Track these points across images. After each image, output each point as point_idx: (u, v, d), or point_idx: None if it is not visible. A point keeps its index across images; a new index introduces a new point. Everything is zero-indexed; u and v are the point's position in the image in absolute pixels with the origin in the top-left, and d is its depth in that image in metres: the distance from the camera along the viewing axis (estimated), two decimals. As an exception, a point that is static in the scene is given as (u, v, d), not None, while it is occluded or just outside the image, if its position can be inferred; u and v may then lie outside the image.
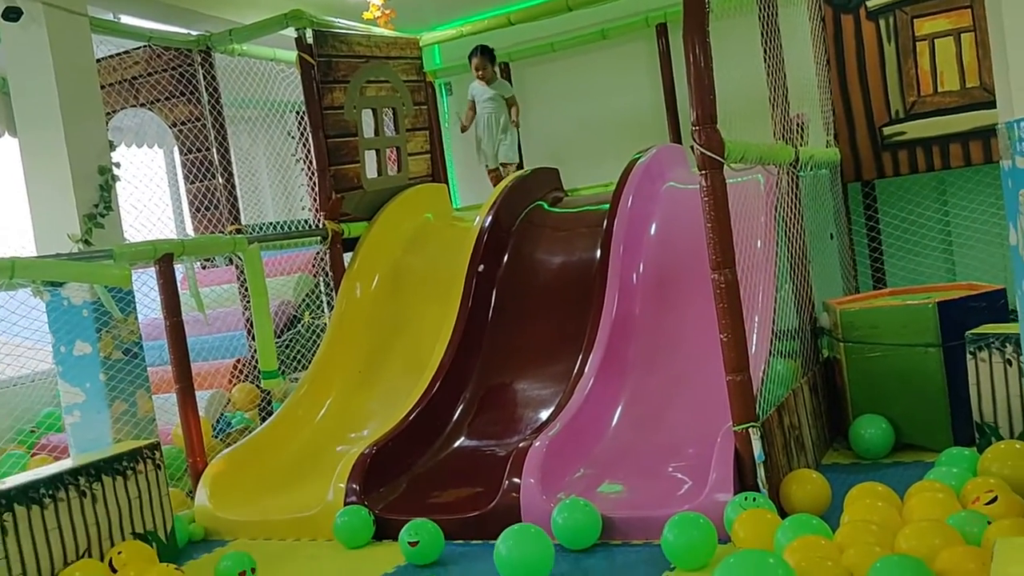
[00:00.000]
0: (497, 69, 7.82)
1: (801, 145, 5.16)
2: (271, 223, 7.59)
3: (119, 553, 4.18)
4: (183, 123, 6.73)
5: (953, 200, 6.27)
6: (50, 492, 4.08)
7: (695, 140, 3.88)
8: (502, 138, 7.53)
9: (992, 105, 4.50)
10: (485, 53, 7.51)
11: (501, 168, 7.59)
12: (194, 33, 6.62)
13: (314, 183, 6.57)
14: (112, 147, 5.22)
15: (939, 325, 4.49)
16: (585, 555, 3.92)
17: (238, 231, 6.61)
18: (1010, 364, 3.99)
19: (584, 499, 4.04)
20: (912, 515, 3.40)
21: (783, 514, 3.70)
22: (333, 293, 6.45)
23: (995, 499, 3.33)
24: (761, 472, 3.86)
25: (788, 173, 4.88)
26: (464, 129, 7.74)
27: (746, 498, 3.74)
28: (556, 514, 3.96)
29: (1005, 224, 3.38)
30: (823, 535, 3.29)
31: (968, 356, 4.14)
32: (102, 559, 4.20)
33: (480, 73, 7.51)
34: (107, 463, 4.37)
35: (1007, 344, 4.00)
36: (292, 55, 6.46)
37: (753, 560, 2.89)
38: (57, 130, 4.92)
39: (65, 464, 4.40)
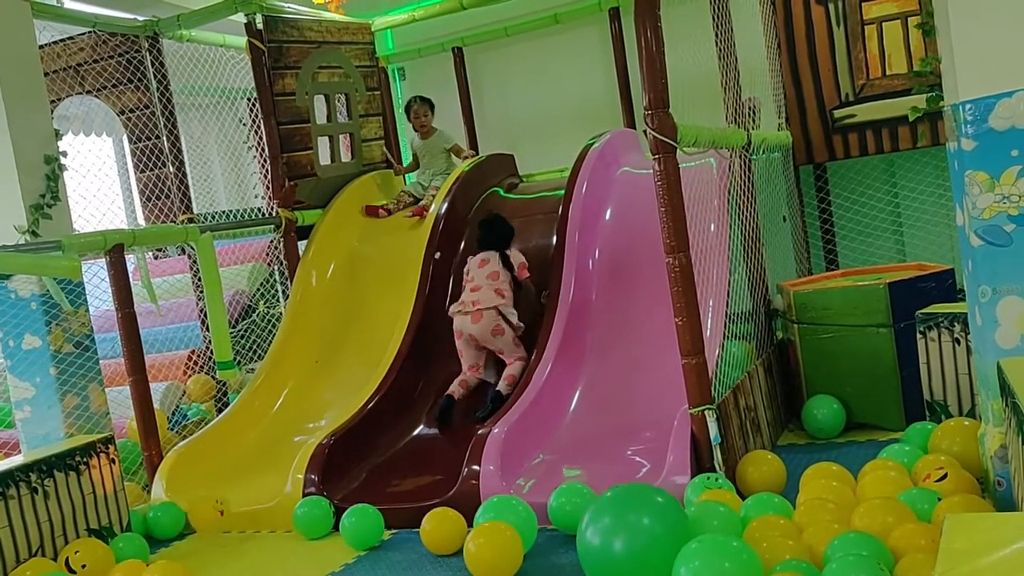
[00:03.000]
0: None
1: (753, 129, 5.20)
2: (224, 212, 7.50)
3: (76, 552, 4.12)
4: (131, 111, 6.61)
5: (902, 182, 6.36)
6: (0, 490, 4.00)
7: (648, 124, 3.89)
8: (439, 175, 6.67)
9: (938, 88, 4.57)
10: (426, 101, 6.68)
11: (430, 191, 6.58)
12: (141, 18, 6.50)
13: (267, 171, 6.49)
14: (58, 136, 5.12)
15: (890, 305, 4.56)
16: (547, 539, 3.93)
17: (190, 220, 6.52)
18: (958, 343, 4.07)
19: (582, 483, 4.03)
20: (866, 493, 3.46)
21: (739, 495, 3.74)
22: (288, 282, 6.39)
23: (945, 476, 3.40)
24: (717, 454, 3.90)
25: (741, 157, 4.92)
26: (399, 172, 7.10)
27: (708, 478, 3.77)
28: (553, 499, 3.96)
29: (952, 205, 3.44)
30: (785, 514, 3.33)
31: (918, 335, 4.22)
32: (55, 557, 4.13)
33: (421, 121, 6.64)
34: (59, 458, 4.30)
35: (955, 323, 4.08)
36: (242, 41, 6.36)
37: (716, 544, 2.92)
38: (0, 119, 4.81)
39: (15, 460, 4.33)
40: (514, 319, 5.14)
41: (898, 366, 4.56)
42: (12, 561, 4.00)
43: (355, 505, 4.33)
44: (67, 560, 4.08)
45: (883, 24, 6.06)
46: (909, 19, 5.97)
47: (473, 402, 5.14)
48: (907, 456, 3.74)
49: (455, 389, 5.11)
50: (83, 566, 4.05)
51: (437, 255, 5.87)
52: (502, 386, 5.01)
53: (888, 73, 6.08)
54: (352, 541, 4.22)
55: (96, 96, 6.69)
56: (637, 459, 4.34)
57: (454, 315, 5.22)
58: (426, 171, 6.74)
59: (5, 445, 5.60)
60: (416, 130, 6.75)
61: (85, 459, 4.41)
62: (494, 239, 5.41)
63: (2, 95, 4.80)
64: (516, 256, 5.34)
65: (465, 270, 5.41)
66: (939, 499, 3.22)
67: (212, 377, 6.44)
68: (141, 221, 7.01)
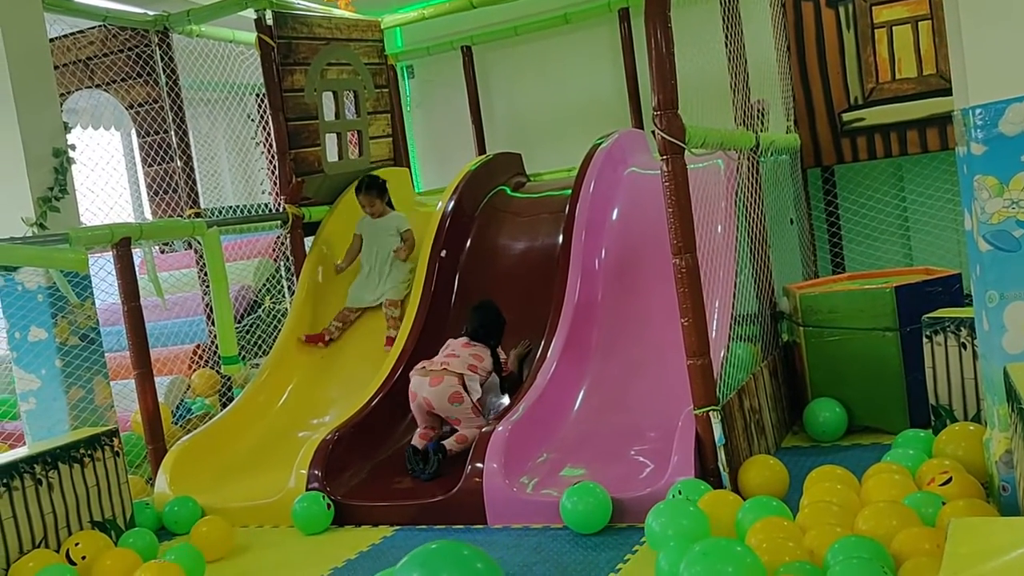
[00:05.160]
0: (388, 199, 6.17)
1: (762, 131, 5.19)
2: (231, 207, 7.52)
3: (76, 544, 4.13)
4: (140, 105, 6.62)
5: (910, 186, 6.35)
6: (5, 481, 4.01)
7: (656, 125, 3.89)
8: (390, 272, 5.96)
9: (948, 92, 4.56)
10: (372, 188, 6.03)
11: (384, 304, 5.91)
12: (151, 13, 6.51)
13: (274, 166, 6.50)
14: (67, 129, 5.13)
15: (896, 309, 4.55)
16: (550, 538, 3.93)
17: (197, 215, 6.53)
18: (964, 347, 4.06)
19: (595, 483, 3.99)
20: (870, 496, 3.45)
21: (743, 499, 3.73)
22: (294, 278, 6.40)
23: (949, 480, 3.39)
24: (722, 455, 3.90)
25: (749, 158, 4.91)
26: (340, 270, 6.17)
27: (673, 497, 3.74)
28: (565, 499, 3.94)
29: (960, 210, 3.43)
30: (784, 517, 3.32)
31: (924, 340, 4.21)
32: (58, 549, 4.14)
33: (369, 210, 6.06)
34: (64, 451, 4.30)
35: (962, 328, 4.06)
36: (251, 36, 6.37)
37: (720, 548, 2.91)
38: (10, 111, 4.82)
39: (20, 452, 4.34)
40: (475, 395, 4.80)
41: (904, 370, 4.55)
42: (15, 552, 4.01)
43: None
44: (68, 552, 4.10)
45: (893, 28, 6.05)
46: (919, 23, 5.96)
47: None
48: (912, 460, 3.74)
49: (417, 441, 4.79)
50: (83, 558, 4.06)
51: (443, 253, 5.87)
52: (450, 443, 4.67)
53: (898, 77, 6.07)
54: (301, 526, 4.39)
55: (105, 90, 6.70)
56: (641, 459, 4.34)
57: (413, 375, 4.87)
58: (371, 274, 5.95)
59: (10, 437, 5.61)
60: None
61: (89, 452, 4.41)
62: (486, 332, 5.03)
63: (12, 88, 4.81)
64: (500, 354, 5.06)
65: (445, 346, 5.03)
66: (943, 503, 3.21)
67: (217, 372, 6.44)
68: (148, 215, 7.02)
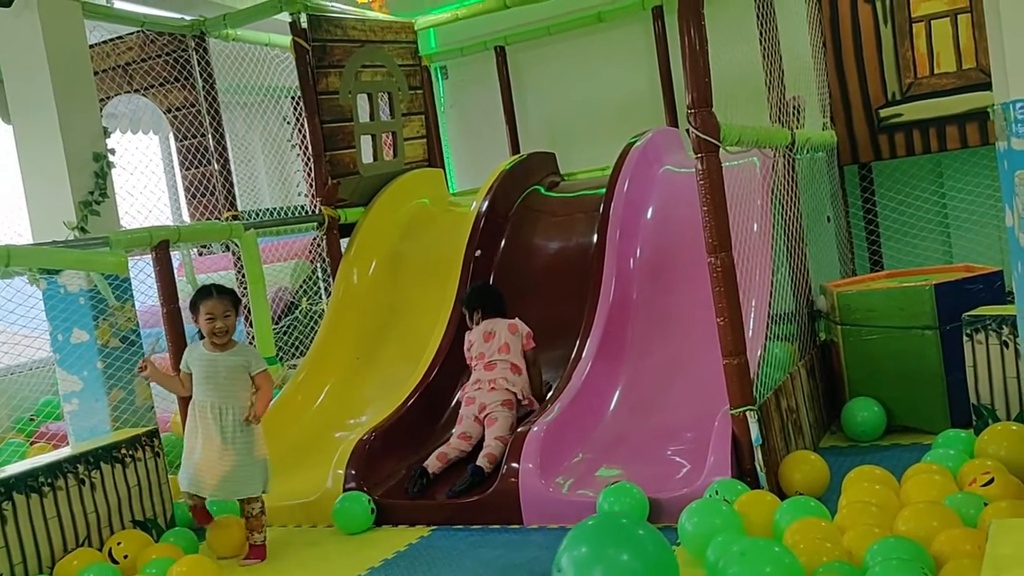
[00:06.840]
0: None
1: (797, 128, 5.15)
2: (267, 209, 7.59)
3: (118, 544, 4.20)
4: (178, 109, 6.71)
5: (950, 182, 6.26)
6: (49, 480, 4.08)
7: (691, 123, 3.87)
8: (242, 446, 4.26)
9: (988, 87, 4.49)
10: (224, 295, 4.25)
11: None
12: (188, 18, 6.60)
13: (310, 169, 6.56)
14: (106, 133, 5.21)
15: (936, 307, 4.49)
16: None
17: (234, 217, 6.60)
18: (1007, 346, 4.00)
19: (632, 483, 3.99)
20: (910, 497, 3.41)
21: (782, 496, 3.71)
22: (330, 279, 6.45)
23: (991, 480, 3.34)
24: (759, 455, 3.87)
25: (784, 156, 4.87)
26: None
27: (711, 496, 3.72)
28: (602, 499, 3.93)
29: (1001, 206, 3.38)
30: (822, 517, 3.30)
31: (965, 338, 4.15)
32: (101, 547, 4.21)
33: (217, 325, 4.15)
34: (106, 451, 4.38)
35: (1004, 326, 4.01)
36: (287, 40, 6.43)
37: (758, 548, 2.90)
38: (51, 117, 4.90)
39: (64, 452, 4.41)
40: (523, 400, 4.90)
41: (944, 369, 4.49)
42: (60, 551, 4.08)
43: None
44: (110, 551, 4.16)
45: (932, 22, 5.97)
46: (958, 16, 5.88)
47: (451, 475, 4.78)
48: (952, 460, 3.69)
49: (432, 463, 4.70)
50: (125, 557, 4.13)
51: (478, 253, 5.88)
52: (482, 462, 4.59)
53: (936, 72, 5.99)
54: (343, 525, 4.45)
55: (143, 95, 6.80)
56: (677, 459, 4.32)
57: (471, 393, 4.92)
58: (216, 422, 4.11)
59: (54, 437, 5.70)
60: (207, 336, 4.19)
61: (131, 452, 4.48)
62: (493, 304, 5.19)
63: (54, 93, 4.89)
64: (522, 326, 5.07)
65: (467, 344, 5.12)
66: (985, 504, 3.17)
67: (255, 373, 6.49)
68: (186, 218, 7.11)
